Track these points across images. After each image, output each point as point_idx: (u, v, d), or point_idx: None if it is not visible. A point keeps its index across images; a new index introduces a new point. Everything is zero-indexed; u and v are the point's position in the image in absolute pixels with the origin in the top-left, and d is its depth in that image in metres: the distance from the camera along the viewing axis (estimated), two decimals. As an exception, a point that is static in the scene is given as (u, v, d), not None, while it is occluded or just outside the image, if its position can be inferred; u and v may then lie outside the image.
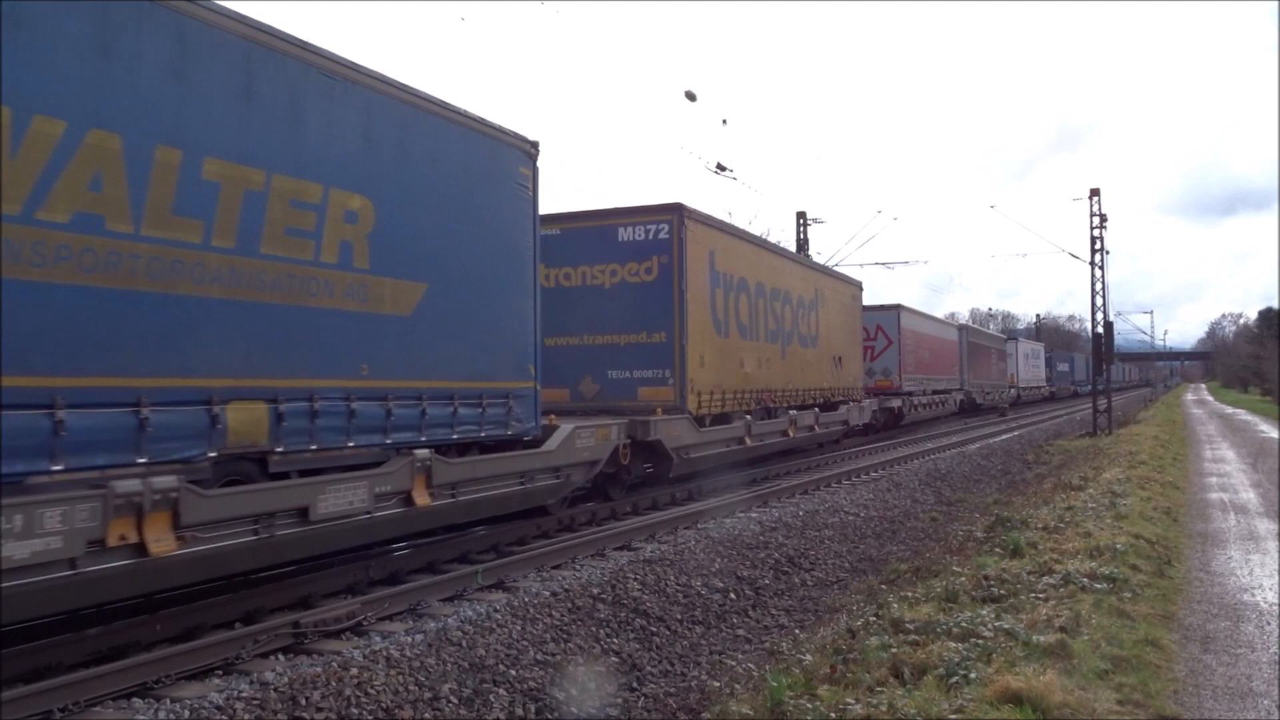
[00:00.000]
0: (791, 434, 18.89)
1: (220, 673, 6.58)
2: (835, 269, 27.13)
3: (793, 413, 19.05)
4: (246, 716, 5.82)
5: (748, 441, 16.67)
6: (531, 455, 10.80)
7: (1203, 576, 9.13)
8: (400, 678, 6.64)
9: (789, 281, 19.75)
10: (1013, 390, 50.45)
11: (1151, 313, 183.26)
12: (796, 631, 8.92)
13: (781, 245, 24.02)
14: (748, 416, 16.85)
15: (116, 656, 6.54)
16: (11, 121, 5.77)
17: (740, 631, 9.38)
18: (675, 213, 14.64)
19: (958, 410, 39.12)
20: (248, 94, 7.42)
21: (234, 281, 7.21)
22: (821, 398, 21.28)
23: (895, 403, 29.98)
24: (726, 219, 24.69)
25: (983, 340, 45.93)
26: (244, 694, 6.03)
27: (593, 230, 14.97)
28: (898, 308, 30.93)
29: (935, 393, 34.65)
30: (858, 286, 26.09)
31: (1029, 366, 56.43)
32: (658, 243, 14.63)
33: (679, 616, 9.24)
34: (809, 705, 5.50)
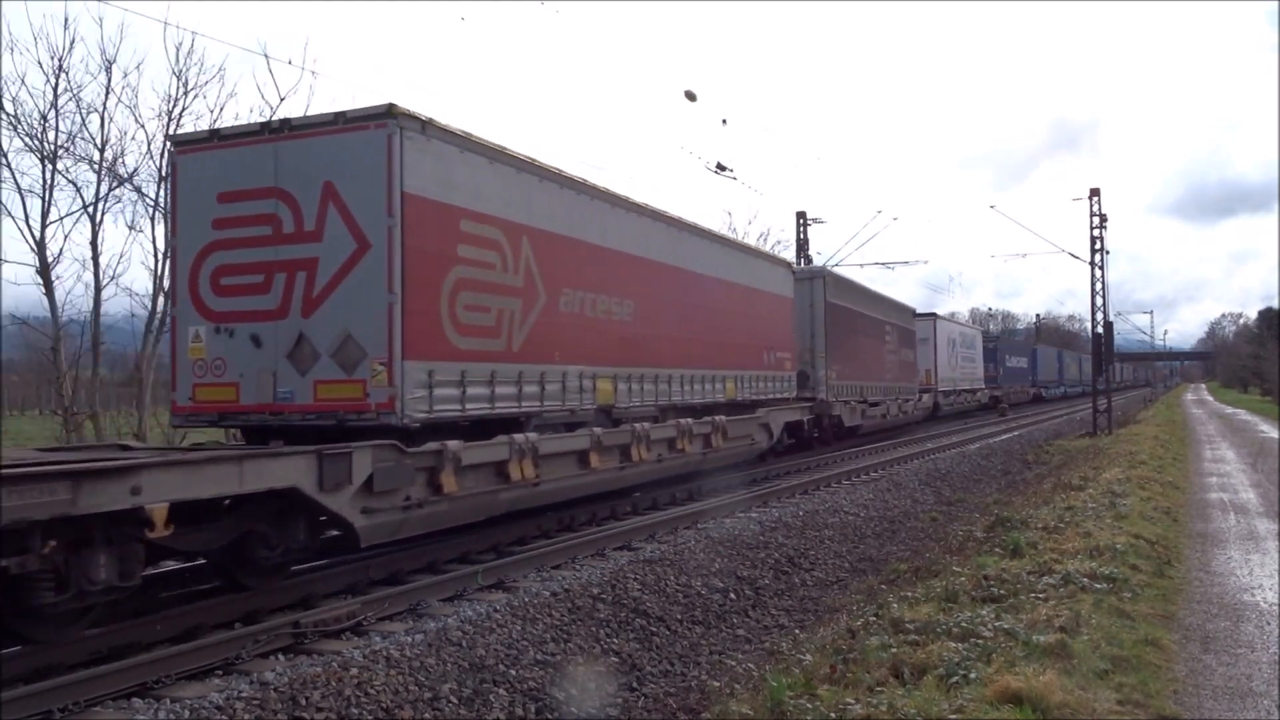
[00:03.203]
0: None
1: (220, 673, 6.57)
2: None
3: None
4: (246, 716, 5.82)
5: None
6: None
7: (1203, 576, 9.13)
8: (400, 678, 6.64)
9: None
10: (928, 395, 34.61)
11: (1151, 313, 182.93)
12: (796, 631, 8.92)
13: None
14: None
15: (116, 656, 6.54)
16: None
17: (740, 631, 9.38)
18: None
19: (770, 446, 18.78)
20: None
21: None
22: None
23: None
24: (727, 219, 21.26)
25: (868, 309, 26.85)
26: (244, 694, 6.03)
27: None
28: (388, 115, 8.87)
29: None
30: None
31: (959, 361, 39.77)
32: None
33: (679, 616, 9.24)
34: (809, 705, 5.50)
